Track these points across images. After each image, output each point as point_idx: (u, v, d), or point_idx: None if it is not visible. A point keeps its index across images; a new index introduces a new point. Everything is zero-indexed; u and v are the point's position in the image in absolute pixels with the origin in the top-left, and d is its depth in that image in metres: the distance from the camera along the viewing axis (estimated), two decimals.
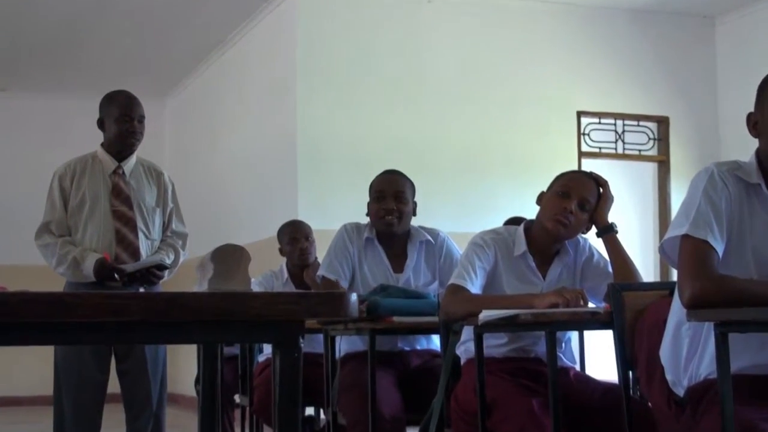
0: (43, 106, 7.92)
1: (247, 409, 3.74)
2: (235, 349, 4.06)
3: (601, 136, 6.10)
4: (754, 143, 1.92)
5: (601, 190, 2.52)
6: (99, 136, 3.31)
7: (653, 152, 6.23)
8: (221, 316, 1.31)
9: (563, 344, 2.54)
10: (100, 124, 3.25)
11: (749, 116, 1.92)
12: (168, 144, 8.12)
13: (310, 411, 3.98)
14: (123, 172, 3.25)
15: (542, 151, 5.76)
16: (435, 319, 2.59)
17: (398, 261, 3.01)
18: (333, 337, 2.91)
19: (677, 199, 5.97)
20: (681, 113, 6.18)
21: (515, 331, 2.44)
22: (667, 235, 1.89)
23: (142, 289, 3.12)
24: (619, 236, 2.53)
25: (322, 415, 3.52)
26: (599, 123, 6.11)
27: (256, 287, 3.75)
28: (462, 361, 2.54)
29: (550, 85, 5.89)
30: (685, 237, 1.82)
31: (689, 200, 1.86)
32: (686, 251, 1.81)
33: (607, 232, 2.51)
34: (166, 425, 3.28)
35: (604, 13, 6.04)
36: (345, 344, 2.96)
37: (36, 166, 6.56)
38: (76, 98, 7.40)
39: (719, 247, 1.81)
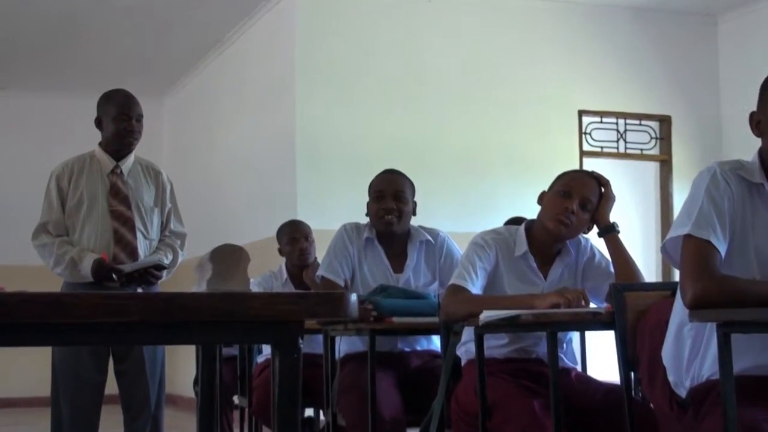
0: (41, 105, 7.90)
1: (246, 410, 3.73)
2: (234, 350, 4.05)
3: (602, 135, 6.09)
4: (757, 142, 1.92)
5: (603, 189, 2.52)
6: (97, 136, 3.29)
7: (655, 151, 6.22)
8: (220, 316, 1.31)
9: (564, 345, 2.54)
10: (98, 123, 3.24)
11: (752, 115, 1.91)
12: (166, 143, 8.11)
13: (309, 412, 3.97)
14: (121, 172, 3.24)
15: (543, 150, 5.75)
16: (435, 319, 2.58)
17: (398, 261, 3.00)
18: (333, 337, 2.90)
19: (679, 198, 5.96)
20: (683, 112, 6.16)
21: (516, 332, 2.44)
22: (669, 235, 1.88)
23: (140, 290, 3.11)
24: (621, 236, 2.53)
25: (322, 417, 3.51)
26: (601, 122, 6.10)
27: (255, 287, 3.74)
28: (462, 362, 2.54)
29: (550, 84, 5.87)
30: (688, 237, 1.82)
31: (691, 200, 1.86)
32: (688, 251, 1.81)
33: (609, 232, 2.51)
34: (165, 426, 3.27)
35: (605, 11, 6.03)
36: (345, 345, 2.95)
37: (33, 165, 6.55)
38: (74, 97, 7.39)
39: (722, 247, 1.81)
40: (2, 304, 1.24)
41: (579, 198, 2.45)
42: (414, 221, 3.08)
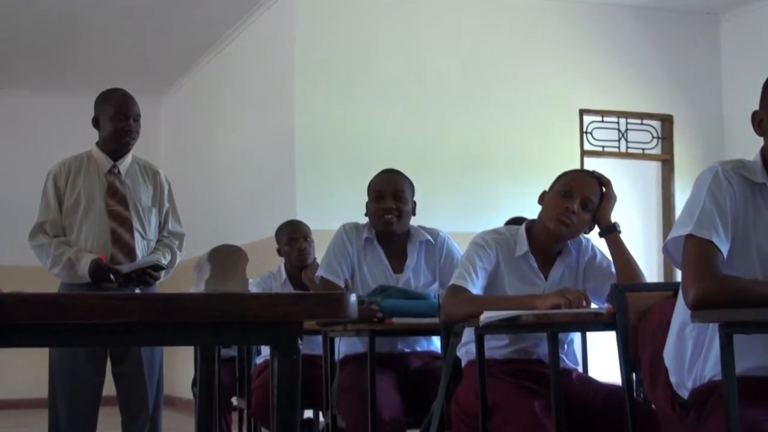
0: (39, 105, 7.89)
1: (245, 411, 3.72)
2: (232, 351, 4.04)
3: (603, 134, 6.08)
4: (759, 141, 1.91)
5: (604, 189, 2.52)
6: (94, 135, 3.28)
7: (657, 151, 6.21)
8: (218, 317, 1.31)
9: (565, 346, 2.53)
10: (95, 122, 3.23)
11: (754, 114, 1.91)
12: (164, 143, 8.10)
13: (308, 414, 3.95)
14: (118, 172, 3.23)
15: (544, 150, 5.74)
16: (435, 320, 2.57)
17: (398, 261, 2.99)
18: (332, 338, 2.89)
19: (681, 198, 5.95)
20: (685, 111, 6.15)
21: (517, 333, 2.43)
22: (670, 235, 1.88)
23: (138, 290, 3.09)
24: (622, 236, 2.53)
25: (321, 418, 3.50)
26: (602, 121, 6.09)
27: (253, 288, 3.73)
28: (463, 363, 2.54)
29: (551, 83, 5.86)
30: (689, 237, 1.81)
31: (693, 200, 1.85)
32: (690, 251, 1.80)
33: (610, 232, 2.51)
34: (163, 428, 3.25)
35: (606, 9, 6.02)
36: (344, 346, 2.94)
37: (31, 165, 6.54)
38: (73, 97, 7.37)
39: (724, 248, 1.80)
40: None
41: (580, 198, 2.45)
42: (414, 221, 3.07)
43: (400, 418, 2.64)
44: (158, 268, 3.13)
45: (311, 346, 3.32)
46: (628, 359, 2.09)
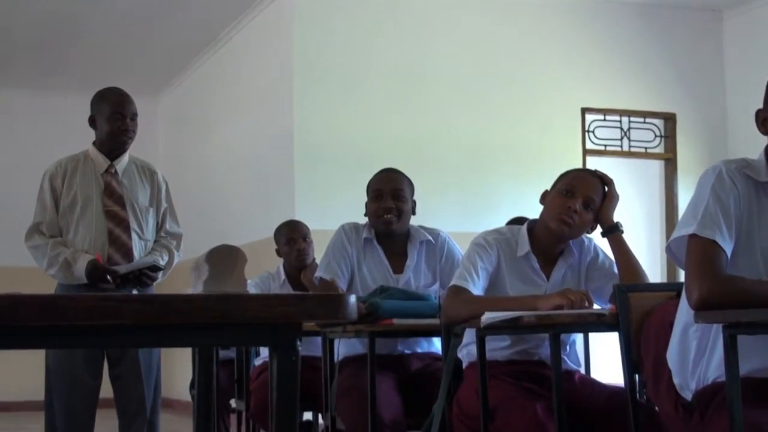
0: (34, 104, 7.88)
1: (244, 414, 3.70)
2: (231, 353, 4.02)
3: (606, 133, 6.06)
4: (763, 140, 1.91)
5: (606, 188, 2.51)
6: (91, 135, 3.26)
7: (660, 150, 6.20)
8: (217, 318, 1.30)
9: (568, 347, 2.52)
10: (92, 122, 3.21)
11: (758, 113, 1.91)
12: (162, 142, 8.08)
13: (308, 416, 3.94)
14: (115, 171, 3.21)
15: (546, 148, 5.72)
16: (436, 321, 2.56)
17: (398, 261, 2.97)
18: (331, 339, 2.88)
19: (684, 197, 5.95)
20: (688, 110, 6.14)
21: (518, 334, 2.43)
22: (674, 235, 1.87)
23: (135, 291, 3.07)
24: (625, 236, 2.52)
25: (321, 420, 3.48)
26: (604, 120, 6.07)
27: (252, 289, 3.72)
28: (464, 365, 2.53)
29: (553, 82, 5.85)
30: (693, 237, 1.81)
31: (697, 199, 1.85)
32: (694, 251, 1.80)
33: (613, 232, 2.50)
34: (161, 431, 3.23)
35: (608, 7, 6.01)
36: (344, 347, 2.92)
37: (26, 165, 6.52)
38: (69, 96, 7.36)
39: (728, 248, 1.80)
40: None
41: (582, 197, 2.44)
42: (414, 221, 3.05)
43: (401, 420, 2.62)
44: (156, 268, 3.11)
45: (310, 347, 3.31)
46: (630, 360, 2.09)
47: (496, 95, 5.76)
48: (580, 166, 5.57)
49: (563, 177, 2.50)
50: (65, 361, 3.07)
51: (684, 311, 1.88)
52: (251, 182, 6.26)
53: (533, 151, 5.72)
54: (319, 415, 3.61)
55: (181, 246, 3.33)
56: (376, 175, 3.05)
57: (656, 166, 6.24)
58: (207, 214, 6.86)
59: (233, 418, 4.18)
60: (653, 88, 6.07)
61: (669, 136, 6.18)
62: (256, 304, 1.29)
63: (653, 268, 5.87)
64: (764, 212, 1.84)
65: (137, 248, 3.17)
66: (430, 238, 2.99)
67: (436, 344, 2.94)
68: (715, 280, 1.74)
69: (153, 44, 6.82)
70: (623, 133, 6.11)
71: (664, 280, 5.80)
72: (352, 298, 1.34)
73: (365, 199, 3.02)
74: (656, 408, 2.08)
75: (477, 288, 2.38)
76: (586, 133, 5.98)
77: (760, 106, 1.89)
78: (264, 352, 3.79)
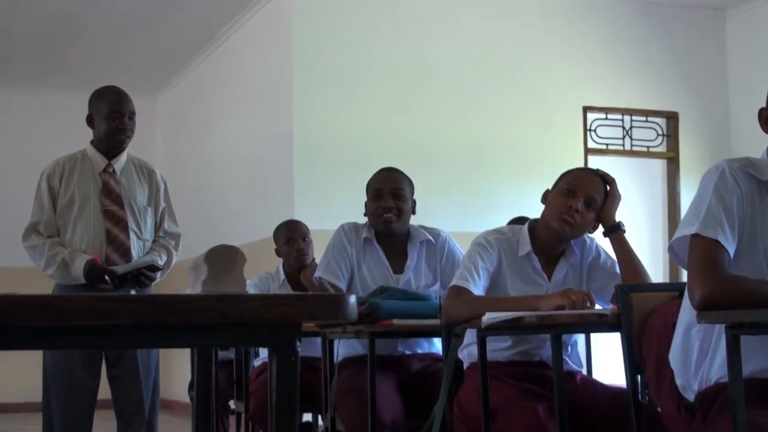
0: (34, 104, 7.86)
1: (243, 415, 3.69)
2: (230, 353, 4.01)
3: (608, 132, 6.05)
4: (766, 139, 1.90)
5: (608, 187, 2.51)
6: (89, 134, 3.25)
7: (662, 149, 6.18)
8: (215, 319, 1.29)
9: (569, 347, 2.52)
10: (90, 121, 3.20)
11: (761, 111, 1.90)
12: (160, 141, 8.07)
13: (307, 417, 3.93)
14: (113, 171, 3.20)
15: (547, 147, 5.71)
16: (436, 321, 2.55)
17: (398, 261, 2.96)
18: (331, 340, 2.87)
19: (687, 197, 5.94)
20: (690, 108, 6.13)
21: (519, 334, 2.42)
22: (676, 235, 1.86)
23: (133, 292, 3.06)
24: (627, 236, 2.51)
25: (320, 422, 3.47)
26: (606, 119, 6.06)
27: (251, 289, 3.71)
28: (465, 365, 2.52)
29: (555, 80, 5.84)
30: (695, 236, 1.80)
31: (699, 198, 1.84)
32: (696, 251, 1.79)
33: (615, 232, 2.49)
34: None
35: (609, 5, 6.00)
36: (343, 348, 2.91)
37: (25, 164, 6.49)
38: (68, 95, 7.35)
39: (730, 247, 1.79)
40: None
41: (584, 196, 2.43)
42: (415, 221, 3.04)
43: (401, 421, 2.62)
44: (154, 268, 3.10)
45: (310, 348, 3.30)
46: (632, 361, 2.08)
47: (497, 94, 5.74)
48: (581, 165, 5.56)
49: (565, 176, 2.50)
50: (63, 362, 3.06)
51: (686, 311, 1.87)
52: (250, 182, 6.25)
53: (534, 151, 5.70)
54: (319, 416, 3.61)
55: (179, 246, 3.32)
56: (376, 174, 3.04)
57: (658, 165, 6.23)
58: (206, 214, 6.84)
59: (232, 419, 4.17)
60: (655, 87, 6.05)
61: (671, 135, 6.17)
62: (256, 304, 1.28)
63: (655, 268, 5.86)
64: (767, 211, 1.84)
65: (135, 248, 3.16)
66: (431, 237, 2.98)
67: (437, 345, 2.93)
68: (718, 280, 1.74)
69: (152, 43, 6.81)
70: (625, 132, 6.10)
71: (667, 280, 5.80)
72: (352, 299, 1.33)
73: (365, 198, 3.01)
74: (658, 409, 2.07)
75: (478, 288, 2.37)
76: (588, 132, 5.97)
77: (763, 104, 1.89)
78: (263, 352, 3.78)
